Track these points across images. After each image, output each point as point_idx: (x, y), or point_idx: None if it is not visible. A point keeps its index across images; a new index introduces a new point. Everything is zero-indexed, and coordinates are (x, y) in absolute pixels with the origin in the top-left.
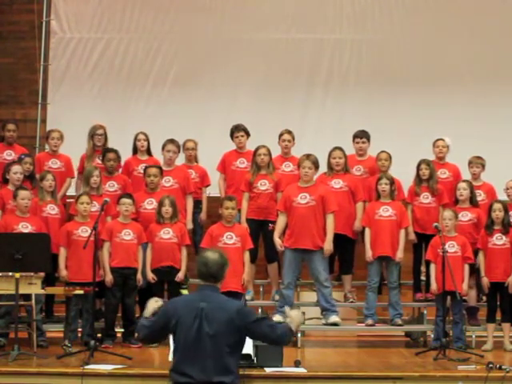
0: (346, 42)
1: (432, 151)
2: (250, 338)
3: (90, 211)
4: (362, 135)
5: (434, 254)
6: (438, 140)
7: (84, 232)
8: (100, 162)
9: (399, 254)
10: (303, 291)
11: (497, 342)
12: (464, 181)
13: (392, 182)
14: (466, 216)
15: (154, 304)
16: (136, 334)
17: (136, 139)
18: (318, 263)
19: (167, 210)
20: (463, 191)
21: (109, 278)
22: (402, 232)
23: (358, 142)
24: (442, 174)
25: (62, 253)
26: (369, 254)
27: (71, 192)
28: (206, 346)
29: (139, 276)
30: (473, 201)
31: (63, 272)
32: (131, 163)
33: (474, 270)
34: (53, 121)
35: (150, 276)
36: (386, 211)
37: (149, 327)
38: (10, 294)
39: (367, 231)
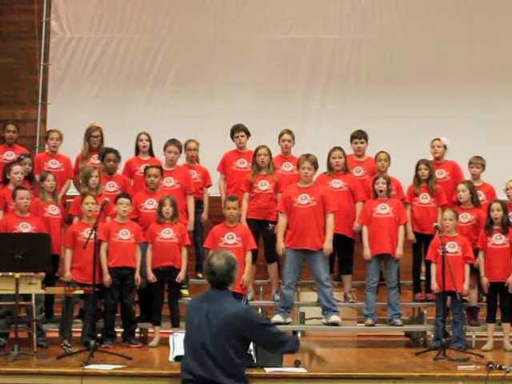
0: (346, 41)
1: (430, 151)
2: (252, 341)
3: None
4: (359, 135)
5: (434, 254)
6: (434, 140)
7: (89, 233)
8: (95, 162)
9: (399, 251)
10: (303, 291)
11: (497, 342)
12: (463, 182)
13: (389, 181)
14: (466, 217)
15: None
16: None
17: (138, 139)
18: (319, 263)
19: (168, 209)
20: (462, 193)
21: (107, 278)
22: (401, 229)
23: (356, 143)
24: (440, 174)
25: (68, 254)
26: (367, 253)
27: (71, 192)
28: (207, 347)
29: (137, 275)
30: (474, 201)
31: (67, 273)
32: (133, 163)
33: (474, 270)
34: (53, 121)
35: (151, 276)
36: (383, 209)
37: None
38: (10, 294)
39: (365, 229)
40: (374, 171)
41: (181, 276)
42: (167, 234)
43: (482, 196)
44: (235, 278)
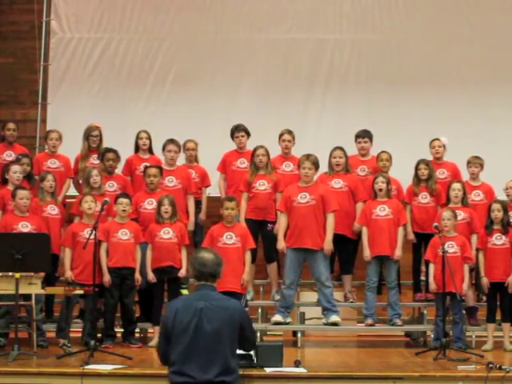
0: (346, 41)
1: (429, 151)
2: (242, 336)
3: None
4: (364, 135)
5: (433, 254)
6: (433, 140)
7: (89, 233)
8: (95, 162)
9: (397, 252)
10: (303, 291)
11: (497, 342)
12: (458, 181)
13: (388, 181)
14: (460, 215)
15: None
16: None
17: (138, 137)
18: (319, 263)
19: (166, 209)
20: (458, 192)
21: (106, 278)
22: (400, 230)
23: (360, 142)
24: (441, 174)
25: (67, 254)
26: (366, 254)
27: (70, 192)
28: (206, 344)
29: (137, 275)
30: (464, 201)
31: (68, 273)
32: (133, 162)
33: (472, 270)
34: (53, 121)
35: (150, 276)
36: (382, 210)
37: (161, 342)
38: (10, 294)
39: (364, 230)
40: (378, 170)
41: (182, 272)
42: (166, 233)
43: (480, 196)
44: (221, 275)
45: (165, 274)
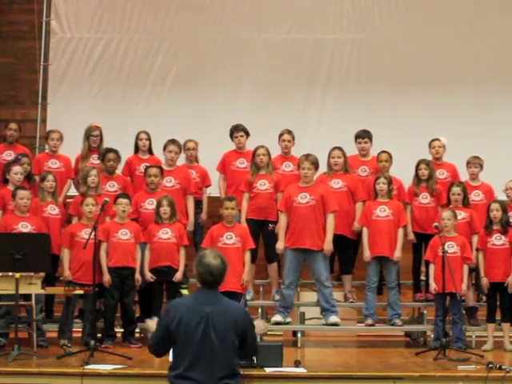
0: (346, 41)
1: (428, 152)
2: (244, 341)
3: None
4: (364, 135)
5: (432, 254)
6: (433, 140)
7: (87, 234)
8: (95, 162)
9: (397, 253)
10: (303, 291)
11: (497, 342)
12: (458, 184)
13: (390, 181)
14: (460, 215)
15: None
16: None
17: (138, 138)
18: (318, 263)
19: (165, 210)
20: (458, 197)
21: (106, 278)
22: (400, 231)
23: (360, 142)
24: (441, 174)
25: (66, 254)
26: (366, 254)
27: (71, 192)
28: (212, 350)
29: (137, 275)
30: (464, 201)
31: (66, 272)
32: (133, 162)
33: (472, 270)
34: (53, 121)
35: (149, 276)
36: (382, 211)
37: (155, 337)
38: (10, 294)
39: (364, 231)
40: (379, 171)
41: (178, 276)
42: (165, 234)
43: (480, 196)
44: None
45: (163, 276)
